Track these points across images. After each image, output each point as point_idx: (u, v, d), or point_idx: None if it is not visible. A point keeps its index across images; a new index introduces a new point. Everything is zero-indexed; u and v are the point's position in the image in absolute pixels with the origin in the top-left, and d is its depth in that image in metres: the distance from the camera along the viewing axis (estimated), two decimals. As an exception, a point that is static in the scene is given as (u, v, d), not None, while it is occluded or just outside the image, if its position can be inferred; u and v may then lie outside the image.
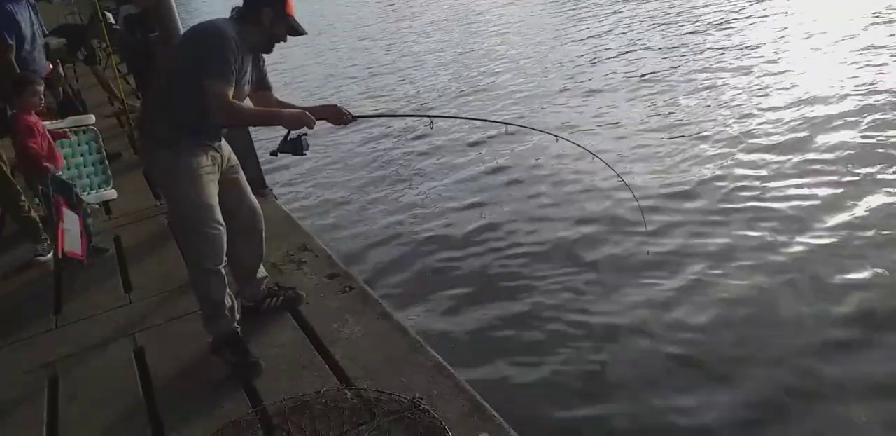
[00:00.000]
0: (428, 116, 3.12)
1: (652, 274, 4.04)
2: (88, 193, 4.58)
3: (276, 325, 3.04)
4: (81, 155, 4.70)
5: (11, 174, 4.04)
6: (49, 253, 4.17)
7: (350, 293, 3.20)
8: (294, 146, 2.66)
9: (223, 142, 2.79)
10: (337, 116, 2.76)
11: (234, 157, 2.88)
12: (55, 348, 3.16)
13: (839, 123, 6.03)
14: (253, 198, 2.96)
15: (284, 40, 2.67)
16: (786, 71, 7.76)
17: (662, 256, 4.23)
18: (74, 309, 3.54)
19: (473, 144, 7.00)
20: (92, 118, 4.82)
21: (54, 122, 4.62)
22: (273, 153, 2.74)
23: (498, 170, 6.21)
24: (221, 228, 2.66)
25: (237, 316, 2.83)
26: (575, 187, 5.52)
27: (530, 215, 5.15)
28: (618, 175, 3.79)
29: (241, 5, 2.62)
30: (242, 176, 2.93)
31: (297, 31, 2.64)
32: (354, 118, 2.78)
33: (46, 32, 4.84)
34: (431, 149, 7.07)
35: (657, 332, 3.50)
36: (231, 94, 2.45)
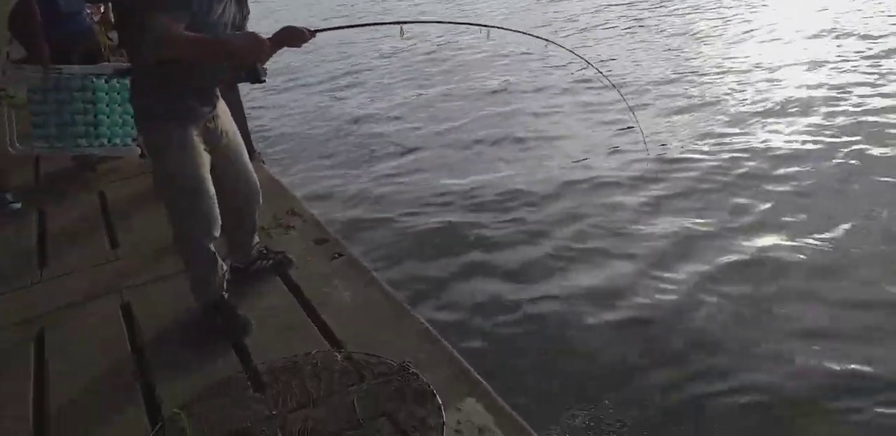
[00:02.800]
0: (398, 23, 2.68)
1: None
2: (105, 146, 4.45)
3: (266, 287, 3.08)
4: (110, 104, 4.43)
5: None
6: (19, 202, 4.18)
7: (339, 259, 3.24)
8: (251, 74, 2.39)
9: (221, 110, 2.69)
10: (294, 36, 2.45)
11: (232, 126, 2.78)
12: (41, 302, 3.17)
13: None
14: (251, 170, 2.88)
15: None
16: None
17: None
18: (60, 263, 3.54)
19: (449, 62, 7.18)
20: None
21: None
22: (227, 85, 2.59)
23: (487, 93, 6.34)
24: (212, 202, 2.60)
25: (225, 284, 2.82)
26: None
27: (516, 160, 5.34)
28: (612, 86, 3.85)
29: None
30: (240, 145, 2.83)
31: None
32: (313, 34, 2.48)
33: None
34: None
35: (645, 290, 3.66)
36: (178, 28, 2.15)
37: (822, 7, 9.58)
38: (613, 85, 4.29)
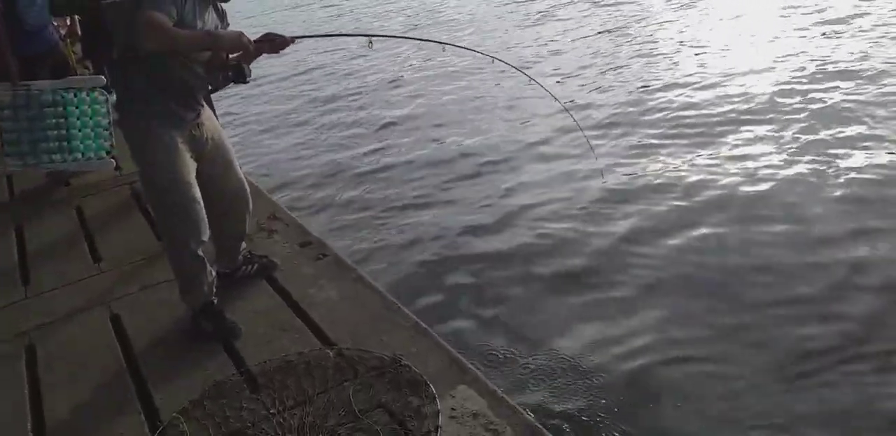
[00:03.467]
0: (366, 36, 2.89)
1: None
2: (79, 160, 4.42)
3: (253, 291, 3.12)
4: (80, 118, 4.45)
5: None
6: None
7: (324, 260, 3.29)
8: (238, 73, 2.52)
9: (206, 116, 2.75)
10: (275, 42, 2.56)
11: (220, 132, 2.85)
12: (28, 318, 3.17)
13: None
14: (240, 175, 2.93)
15: None
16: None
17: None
18: (44, 279, 3.54)
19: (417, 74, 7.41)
20: (101, 80, 4.60)
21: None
22: (213, 90, 2.68)
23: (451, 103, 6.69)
24: (199, 206, 2.64)
25: (214, 289, 2.86)
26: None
27: (482, 156, 5.58)
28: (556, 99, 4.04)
29: None
30: (228, 151, 2.88)
31: None
32: (293, 40, 2.59)
33: None
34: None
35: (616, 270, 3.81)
36: (165, 21, 2.26)
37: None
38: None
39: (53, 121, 4.31)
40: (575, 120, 4.39)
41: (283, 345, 2.69)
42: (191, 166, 2.64)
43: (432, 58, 9.14)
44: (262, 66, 10.04)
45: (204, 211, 2.68)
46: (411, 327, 2.68)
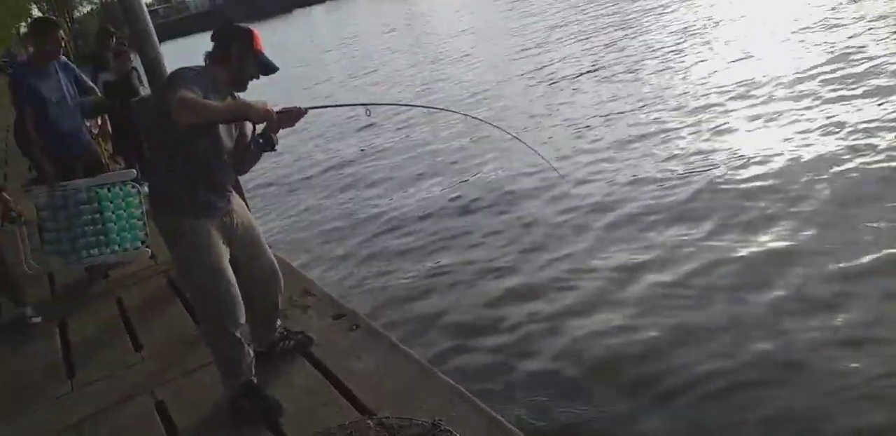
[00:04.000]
0: (370, 105, 3.00)
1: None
2: (116, 252, 4.60)
3: (291, 368, 3.16)
4: (115, 211, 4.59)
5: None
6: (39, 316, 4.31)
7: (357, 331, 3.34)
8: (266, 141, 2.67)
9: (236, 203, 2.89)
10: (291, 115, 2.64)
11: (248, 216, 2.98)
12: (76, 410, 3.24)
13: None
14: (270, 256, 3.03)
15: (256, 78, 2.72)
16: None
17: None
18: (88, 371, 3.63)
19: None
20: (132, 173, 4.83)
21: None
22: (247, 165, 2.83)
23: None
24: (235, 290, 2.74)
25: (253, 368, 2.90)
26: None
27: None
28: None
29: (211, 52, 2.69)
30: (258, 235, 2.99)
31: (269, 67, 2.67)
32: (306, 111, 2.69)
33: (93, 88, 5.02)
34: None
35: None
36: (195, 95, 2.39)
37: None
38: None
39: (90, 217, 4.52)
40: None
41: (324, 419, 2.71)
42: (224, 253, 2.77)
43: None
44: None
45: (239, 295, 2.77)
46: (448, 391, 2.70)
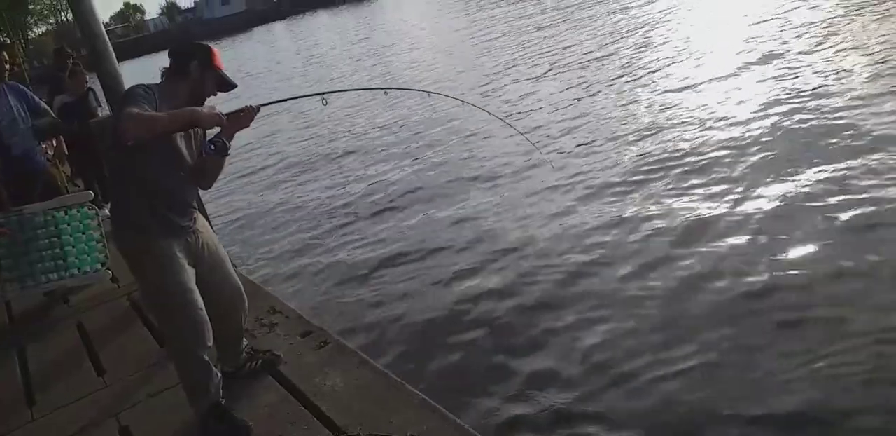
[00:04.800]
0: (321, 93, 3.00)
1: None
2: (76, 275, 4.50)
3: (259, 387, 3.11)
4: (73, 234, 4.51)
5: None
6: None
7: (326, 348, 3.31)
8: (219, 147, 2.60)
9: (201, 223, 2.85)
10: (242, 116, 2.61)
11: (213, 236, 2.94)
12: (38, 440, 3.15)
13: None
14: (235, 277, 2.99)
15: (214, 94, 2.70)
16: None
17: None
18: (49, 399, 3.52)
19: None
20: (89, 195, 4.73)
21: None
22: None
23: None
24: (202, 313, 2.69)
25: (220, 390, 2.85)
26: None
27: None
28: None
29: (168, 67, 2.68)
30: (223, 256, 2.95)
31: (227, 84, 2.68)
32: (258, 109, 2.66)
33: (47, 110, 4.89)
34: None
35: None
36: (144, 110, 2.39)
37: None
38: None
39: (47, 241, 4.42)
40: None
41: (293, 438, 2.67)
42: (190, 274, 2.71)
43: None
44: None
45: (207, 317, 2.72)
46: (419, 405, 2.68)
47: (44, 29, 69.65)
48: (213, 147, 2.61)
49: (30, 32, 65.65)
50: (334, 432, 2.66)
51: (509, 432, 3.11)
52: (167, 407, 3.12)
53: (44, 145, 5.29)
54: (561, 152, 7.10)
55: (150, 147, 2.48)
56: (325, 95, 2.98)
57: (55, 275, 4.47)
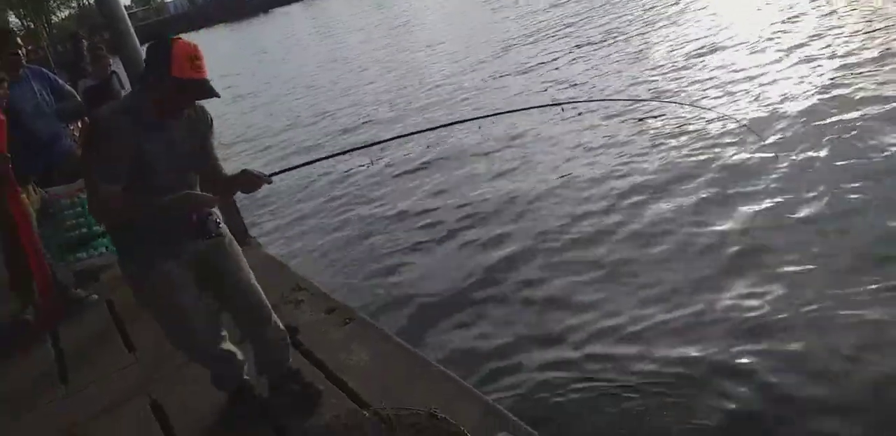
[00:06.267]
0: (349, 152, 2.92)
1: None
2: (103, 254, 4.59)
3: (286, 363, 3.15)
4: None
5: None
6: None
7: (351, 324, 3.34)
8: (199, 229, 2.41)
9: (215, 242, 2.53)
10: (252, 182, 2.40)
11: (225, 245, 2.58)
12: (71, 416, 3.22)
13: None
14: (256, 286, 2.67)
15: (188, 104, 2.32)
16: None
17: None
18: (81, 375, 3.61)
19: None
20: None
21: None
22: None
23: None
24: (201, 326, 2.56)
25: (246, 367, 2.83)
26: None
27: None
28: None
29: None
30: (243, 266, 2.63)
31: (200, 91, 2.24)
32: (269, 180, 2.42)
33: (72, 93, 4.94)
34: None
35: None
36: (105, 189, 2.18)
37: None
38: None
39: (74, 221, 4.50)
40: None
41: (320, 411, 2.71)
42: (193, 301, 2.52)
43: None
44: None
45: (212, 324, 2.63)
46: (443, 380, 2.71)
47: (66, 13, 70.10)
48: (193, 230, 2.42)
49: (53, 16, 66.19)
50: (360, 406, 2.69)
51: (529, 404, 3.12)
52: (197, 381, 3.15)
53: (70, 127, 5.33)
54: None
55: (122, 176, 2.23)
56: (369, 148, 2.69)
57: (83, 254, 4.56)
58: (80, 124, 5.67)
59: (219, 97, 2.24)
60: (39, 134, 4.47)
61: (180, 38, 2.23)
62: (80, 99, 5.17)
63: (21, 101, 4.36)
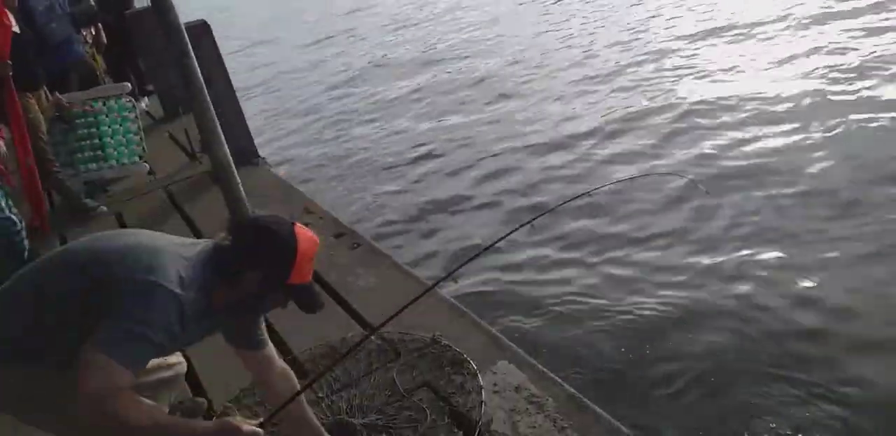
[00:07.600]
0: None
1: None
2: (114, 167, 4.59)
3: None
4: (111, 126, 4.58)
5: None
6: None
7: (359, 249, 3.37)
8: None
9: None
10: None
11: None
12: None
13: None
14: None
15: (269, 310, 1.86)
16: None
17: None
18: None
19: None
20: (126, 87, 4.72)
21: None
22: None
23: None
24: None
25: None
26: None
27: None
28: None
29: (224, 249, 1.71)
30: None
31: (308, 305, 1.75)
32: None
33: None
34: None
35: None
36: (122, 376, 1.42)
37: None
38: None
39: (86, 131, 4.47)
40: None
41: (326, 332, 2.76)
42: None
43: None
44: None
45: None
46: (448, 309, 2.75)
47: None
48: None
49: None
50: (365, 328, 2.75)
51: (533, 340, 3.19)
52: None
53: (83, 33, 5.22)
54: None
55: None
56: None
57: (94, 165, 4.55)
58: (92, 31, 5.55)
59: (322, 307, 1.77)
60: (52, 35, 4.39)
61: (303, 230, 1.76)
62: (91, 2, 5.05)
63: (34, 1, 4.27)
